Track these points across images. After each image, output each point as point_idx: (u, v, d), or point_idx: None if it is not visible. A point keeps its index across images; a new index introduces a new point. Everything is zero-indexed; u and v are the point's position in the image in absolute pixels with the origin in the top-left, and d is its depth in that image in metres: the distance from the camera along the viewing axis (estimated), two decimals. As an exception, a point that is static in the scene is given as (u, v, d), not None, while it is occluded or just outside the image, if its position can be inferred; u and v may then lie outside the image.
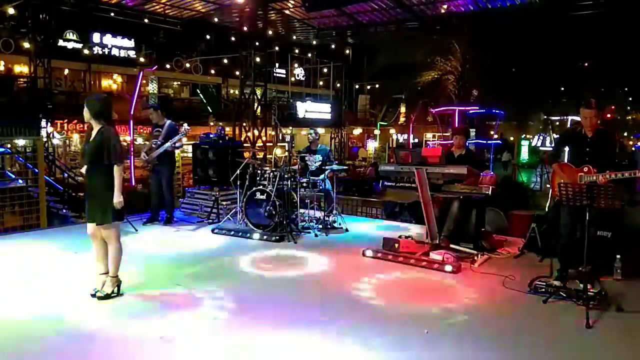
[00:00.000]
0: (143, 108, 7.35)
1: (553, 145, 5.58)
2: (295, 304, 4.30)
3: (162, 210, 7.43)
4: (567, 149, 4.94)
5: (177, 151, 7.91)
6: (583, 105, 4.63)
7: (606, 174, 4.38)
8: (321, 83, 29.40)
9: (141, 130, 16.40)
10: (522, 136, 25.00)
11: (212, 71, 24.34)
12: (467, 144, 6.52)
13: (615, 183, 4.32)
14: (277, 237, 6.43)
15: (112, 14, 17.16)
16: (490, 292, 4.63)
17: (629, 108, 30.07)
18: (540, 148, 22.21)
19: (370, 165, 22.33)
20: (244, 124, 13.81)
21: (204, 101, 22.30)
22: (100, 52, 20.60)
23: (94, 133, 4.18)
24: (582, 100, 4.69)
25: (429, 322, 3.86)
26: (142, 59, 21.76)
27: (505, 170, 24.43)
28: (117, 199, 4.13)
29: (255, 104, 13.78)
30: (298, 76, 28.61)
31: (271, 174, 6.88)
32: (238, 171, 7.16)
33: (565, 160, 4.85)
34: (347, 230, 7.16)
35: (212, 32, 23.53)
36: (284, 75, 27.70)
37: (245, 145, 11.04)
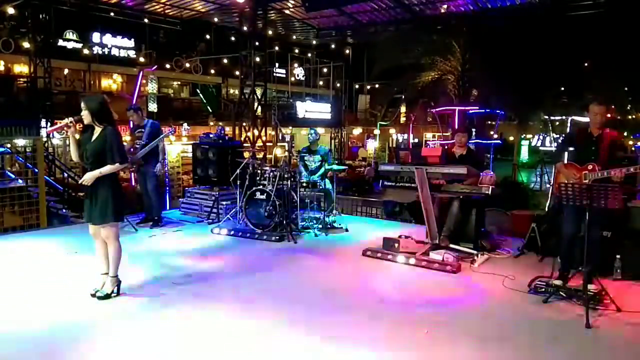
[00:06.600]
0: (126, 110, 7.26)
1: (557, 145, 5.61)
2: (295, 304, 4.29)
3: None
4: (571, 149, 4.95)
5: (175, 151, 7.85)
6: (593, 101, 4.68)
7: (610, 171, 4.37)
8: (321, 83, 29.36)
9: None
10: (522, 136, 24.95)
11: (212, 71, 24.32)
12: (468, 143, 6.50)
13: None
14: (277, 237, 6.43)
15: (112, 14, 17.14)
16: (490, 292, 4.63)
17: (629, 108, 30.03)
18: (540, 148, 22.18)
19: (367, 165, 22.34)
20: (244, 124, 13.80)
21: (204, 101, 22.27)
22: (100, 52, 20.59)
23: (95, 133, 4.17)
24: (584, 100, 4.73)
25: (429, 322, 3.86)
26: (142, 59, 21.74)
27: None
28: (90, 174, 4.07)
29: (255, 104, 13.78)
30: (298, 76, 28.58)
31: (271, 173, 6.89)
32: (238, 171, 7.16)
33: (565, 161, 4.86)
34: (347, 230, 7.16)
35: (212, 32, 23.53)
36: (284, 75, 27.67)
37: (245, 145, 11.03)
